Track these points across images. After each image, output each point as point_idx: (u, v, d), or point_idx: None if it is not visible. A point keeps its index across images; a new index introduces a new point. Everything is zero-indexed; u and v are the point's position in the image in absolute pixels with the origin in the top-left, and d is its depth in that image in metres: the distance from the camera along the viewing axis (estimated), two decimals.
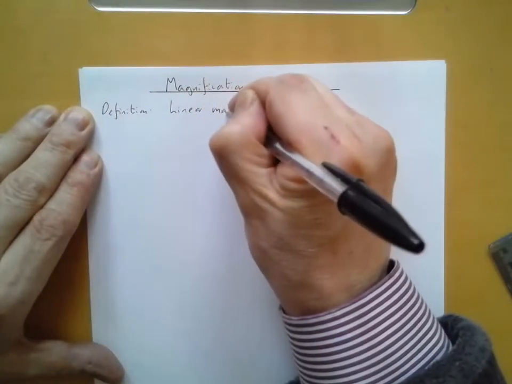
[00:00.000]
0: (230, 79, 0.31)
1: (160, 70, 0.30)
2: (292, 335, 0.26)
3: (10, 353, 0.28)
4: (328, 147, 0.22)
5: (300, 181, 0.22)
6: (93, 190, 0.30)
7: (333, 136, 0.22)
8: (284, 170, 0.23)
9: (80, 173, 0.29)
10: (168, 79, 0.31)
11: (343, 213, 0.19)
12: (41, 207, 0.27)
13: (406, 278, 0.25)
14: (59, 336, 0.31)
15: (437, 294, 0.33)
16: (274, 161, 0.25)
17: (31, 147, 0.28)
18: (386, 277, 0.24)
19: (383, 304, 0.24)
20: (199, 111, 0.31)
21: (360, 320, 0.23)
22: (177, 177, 0.31)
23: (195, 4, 0.31)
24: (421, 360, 0.24)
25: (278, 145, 0.24)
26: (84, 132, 0.29)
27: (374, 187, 0.19)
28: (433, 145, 0.32)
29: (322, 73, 0.30)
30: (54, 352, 0.29)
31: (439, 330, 0.25)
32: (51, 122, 0.29)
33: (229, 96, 0.31)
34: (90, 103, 0.30)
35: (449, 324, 0.27)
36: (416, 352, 0.24)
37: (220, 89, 0.31)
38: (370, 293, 0.24)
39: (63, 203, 0.27)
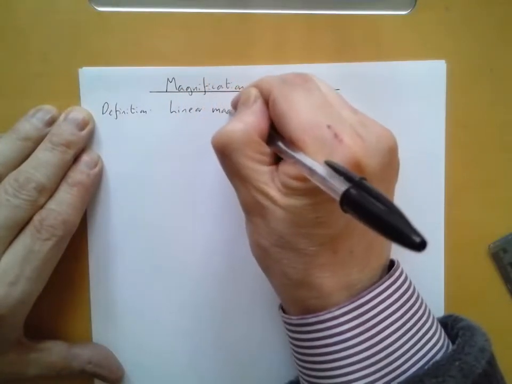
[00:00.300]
0: (230, 79, 0.31)
1: (160, 70, 0.30)
2: (291, 334, 0.26)
3: (10, 353, 0.28)
4: (331, 146, 0.22)
5: (301, 179, 0.22)
6: (93, 190, 0.30)
7: (336, 135, 0.22)
8: (286, 168, 0.23)
9: (80, 173, 0.29)
10: (168, 79, 0.31)
11: (345, 211, 0.19)
12: (41, 207, 0.27)
13: (406, 278, 0.26)
14: (59, 336, 0.31)
15: (437, 294, 0.33)
16: (276, 160, 0.25)
17: (31, 147, 0.28)
18: (386, 276, 0.24)
19: (383, 303, 0.24)
20: (199, 111, 0.31)
21: (360, 320, 0.23)
22: (177, 177, 0.31)
23: (195, 4, 0.31)
24: (420, 360, 0.24)
25: (280, 144, 0.24)
26: (84, 132, 0.29)
27: (376, 187, 0.19)
28: (433, 145, 0.33)
29: (322, 73, 0.30)
30: (54, 352, 0.29)
31: (438, 330, 0.25)
32: (51, 122, 0.29)
33: (229, 96, 0.31)
34: (90, 103, 0.30)
35: (449, 324, 0.27)
36: (415, 351, 0.24)
37: (220, 89, 0.31)
38: (370, 292, 0.24)
39: (63, 203, 0.27)
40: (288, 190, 0.23)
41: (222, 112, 0.31)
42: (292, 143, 0.23)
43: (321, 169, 0.20)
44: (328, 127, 0.23)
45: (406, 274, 0.26)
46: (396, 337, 0.23)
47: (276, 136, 0.25)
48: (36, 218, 0.27)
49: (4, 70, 0.30)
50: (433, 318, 0.26)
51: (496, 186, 0.33)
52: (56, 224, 0.27)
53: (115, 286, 0.31)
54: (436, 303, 0.33)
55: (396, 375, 0.23)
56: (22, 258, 0.26)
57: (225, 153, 0.24)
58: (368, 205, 0.18)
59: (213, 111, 0.31)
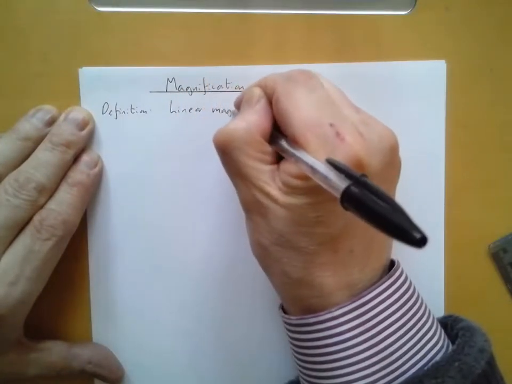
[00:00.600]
0: (230, 79, 0.31)
1: (160, 70, 0.30)
2: (291, 334, 0.26)
3: (10, 353, 0.28)
4: (333, 144, 0.22)
5: (303, 177, 0.22)
6: (93, 190, 0.30)
7: (338, 134, 0.22)
8: (287, 167, 0.23)
9: (80, 173, 0.29)
10: (168, 79, 0.31)
11: (346, 208, 0.19)
12: (41, 207, 0.27)
13: (406, 278, 0.25)
14: (59, 336, 0.31)
15: (437, 294, 0.33)
16: (277, 159, 0.25)
17: (31, 147, 0.28)
18: (386, 276, 0.24)
19: (383, 303, 0.24)
20: (199, 111, 0.31)
21: (359, 320, 0.23)
22: (177, 177, 0.31)
23: (195, 4, 0.31)
24: (420, 360, 0.24)
25: (282, 142, 0.24)
26: (84, 132, 0.29)
27: None
28: (433, 145, 0.33)
29: (322, 73, 0.30)
30: (54, 352, 0.29)
31: (438, 330, 0.25)
32: (51, 122, 0.29)
33: (229, 96, 0.31)
34: (90, 103, 0.30)
35: (449, 324, 0.27)
36: (415, 352, 0.24)
37: (220, 89, 0.31)
38: (370, 292, 0.24)
39: (63, 203, 0.27)
40: (289, 189, 0.23)
41: (222, 112, 0.31)
42: (293, 141, 0.23)
43: (322, 167, 0.20)
44: (331, 125, 0.23)
45: (406, 275, 0.26)
46: (395, 338, 0.23)
47: (278, 135, 0.25)
48: (36, 218, 0.27)
49: (4, 70, 0.30)
50: (433, 318, 0.26)
51: (496, 186, 0.33)
52: (56, 224, 0.27)
53: (115, 286, 0.31)
54: (436, 303, 0.33)
55: (395, 376, 0.23)
56: (22, 258, 0.26)
57: (227, 152, 0.24)
58: (369, 202, 0.18)
59: (213, 111, 0.31)
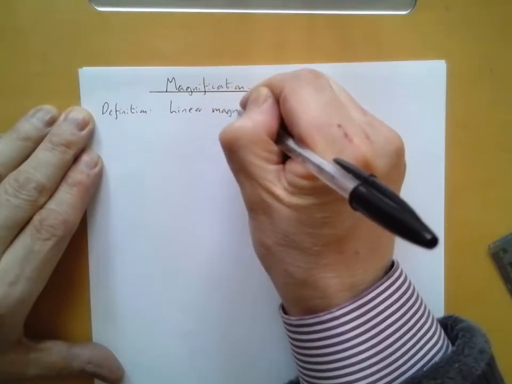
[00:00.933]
0: (230, 79, 0.31)
1: (160, 70, 0.30)
2: (291, 335, 0.26)
3: (10, 353, 0.28)
4: (340, 145, 0.22)
5: (309, 177, 0.22)
6: (93, 190, 0.30)
7: (346, 135, 0.22)
8: (293, 166, 0.23)
9: (80, 173, 0.29)
10: (168, 79, 0.31)
11: (354, 208, 0.18)
12: (41, 207, 0.27)
13: (406, 278, 0.25)
14: (59, 336, 0.31)
15: (437, 294, 0.33)
16: (283, 159, 0.25)
17: (31, 147, 0.28)
18: (385, 277, 0.24)
19: (382, 304, 0.24)
20: (199, 111, 0.31)
21: (360, 320, 0.23)
22: (177, 177, 0.31)
23: (195, 4, 0.31)
24: (420, 361, 0.24)
25: (289, 142, 0.24)
26: (84, 132, 0.29)
27: None
28: (433, 145, 0.32)
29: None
30: (54, 352, 0.29)
31: (438, 331, 0.25)
32: (51, 122, 0.29)
33: (229, 96, 0.31)
34: (90, 103, 0.30)
35: (449, 325, 0.27)
36: (415, 352, 0.24)
37: (220, 89, 0.31)
38: (369, 292, 0.24)
39: (63, 203, 0.27)
40: (295, 189, 0.23)
41: (222, 112, 0.31)
42: (300, 141, 0.23)
43: (330, 167, 0.20)
44: (338, 126, 0.23)
45: (406, 275, 0.26)
46: (395, 338, 0.23)
47: (285, 134, 0.25)
48: (36, 218, 0.27)
49: (4, 70, 0.30)
50: (433, 318, 0.26)
51: (496, 186, 0.33)
52: (56, 224, 0.27)
53: (115, 286, 0.31)
54: (436, 303, 0.33)
55: (395, 376, 0.23)
56: (22, 258, 0.26)
57: (233, 150, 0.24)
58: (378, 202, 0.17)
59: (213, 111, 0.31)
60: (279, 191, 0.23)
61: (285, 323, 0.26)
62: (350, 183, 0.19)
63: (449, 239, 0.33)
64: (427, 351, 0.24)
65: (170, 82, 0.31)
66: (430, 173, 0.33)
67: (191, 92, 0.31)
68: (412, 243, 0.16)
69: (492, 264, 0.34)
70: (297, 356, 0.26)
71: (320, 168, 0.21)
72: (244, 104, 0.28)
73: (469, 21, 0.32)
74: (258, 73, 0.30)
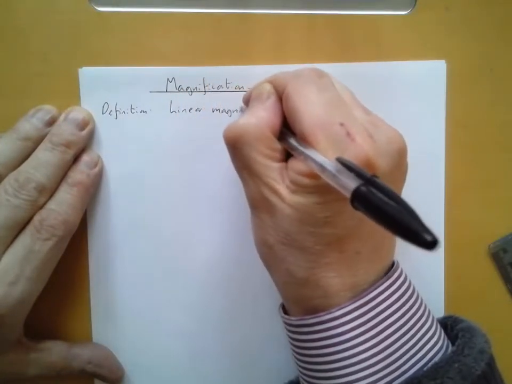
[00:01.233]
0: (230, 79, 0.31)
1: (160, 70, 0.30)
2: (291, 335, 0.26)
3: (10, 353, 0.28)
4: (343, 143, 0.22)
5: (311, 176, 0.22)
6: (93, 190, 0.30)
7: (348, 133, 0.22)
8: (296, 165, 0.23)
9: (80, 173, 0.29)
10: (168, 79, 0.31)
11: (356, 208, 0.18)
12: (41, 207, 0.27)
13: (406, 278, 0.25)
14: (59, 336, 0.31)
15: (437, 294, 0.33)
16: (286, 157, 0.25)
17: (31, 147, 0.28)
18: (385, 277, 0.24)
19: (382, 304, 0.24)
20: (199, 111, 0.31)
21: (360, 320, 0.23)
22: (177, 177, 0.31)
23: (195, 4, 0.31)
24: (420, 361, 0.24)
25: (291, 140, 0.24)
26: (84, 132, 0.29)
27: None
28: (433, 145, 0.32)
29: None
30: (54, 352, 0.29)
31: (438, 331, 0.25)
32: (51, 122, 0.29)
33: (229, 96, 0.31)
34: (90, 103, 0.30)
35: (449, 325, 0.27)
36: (415, 352, 0.24)
37: (220, 89, 0.31)
38: (369, 293, 0.24)
39: (63, 203, 0.27)
40: (297, 187, 0.23)
41: (222, 112, 0.31)
42: (303, 139, 0.23)
43: (332, 166, 0.20)
44: (341, 124, 0.22)
45: (406, 275, 0.26)
46: (395, 338, 0.23)
47: (287, 132, 0.25)
48: (36, 218, 0.27)
49: (4, 70, 0.30)
50: (433, 318, 0.26)
51: (496, 186, 0.33)
52: (56, 224, 0.27)
53: (115, 286, 0.31)
54: (436, 303, 0.33)
55: (395, 376, 0.23)
56: (22, 258, 0.26)
57: (236, 146, 0.24)
58: (380, 202, 0.17)
59: (213, 111, 0.31)
60: (282, 189, 0.23)
61: (285, 323, 0.26)
62: (352, 183, 0.19)
63: (449, 239, 0.33)
64: (427, 351, 0.24)
65: (170, 82, 0.31)
66: (430, 173, 0.33)
67: (191, 92, 0.31)
68: (412, 244, 0.16)
69: (491, 264, 0.34)
70: (297, 356, 0.26)
71: (322, 167, 0.21)
72: (247, 101, 0.28)
73: (469, 21, 0.32)
74: (258, 73, 0.30)
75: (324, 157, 0.21)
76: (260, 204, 0.25)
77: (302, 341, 0.25)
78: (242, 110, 0.31)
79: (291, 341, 0.26)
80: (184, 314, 0.32)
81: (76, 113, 0.29)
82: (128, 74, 0.30)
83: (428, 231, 0.16)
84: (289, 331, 0.26)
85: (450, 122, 0.32)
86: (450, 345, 0.25)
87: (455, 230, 0.33)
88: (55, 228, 0.27)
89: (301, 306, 0.25)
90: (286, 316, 0.26)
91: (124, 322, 0.31)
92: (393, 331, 0.23)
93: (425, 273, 0.32)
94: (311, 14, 0.31)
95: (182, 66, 0.31)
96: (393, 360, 0.23)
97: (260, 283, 0.31)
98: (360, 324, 0.23)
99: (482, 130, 0.33)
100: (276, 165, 0.24)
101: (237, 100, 0.31)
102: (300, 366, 0.26)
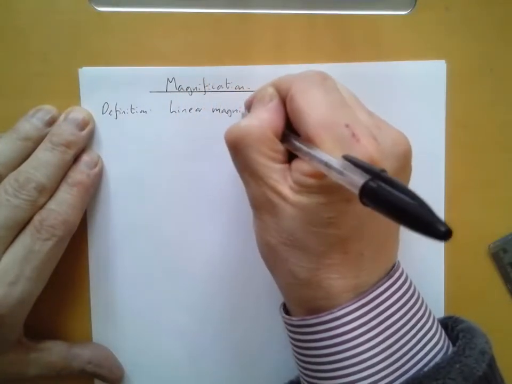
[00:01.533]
0: (230, 79, 0.31)
1: (160, 70, 0.30)
2: (292, 335, 0.26)
3: (10, 353, 0.28)
4: (348, 144, 0.22)
5: (315, 176, 0.22)
6: (93, 190, 0.30)
7: (353, 134, 0.22)
8: (300, 165, 0.23)
9: (80, 173, 0.29)
10: (168, 79, 0.31)
11: (364, 204, 0.18)
12: (41, 207, 0.27)
13: (406, 278, 0.25)
14: (59, 336, 0.31)
15: (437, 294, 0.33)
16: (289, 159, 0.25)
17: (31, 147, 0.28)
18: (386, 277, 0.24)
19: (383, 304, 0.24)
20: (199, 111, 0.31)
21: (360, 321, 0.23)
22: (177, 177, 0.31)
23: (195, 4, 0.31)
24: (420, 361, 0.24)
25: (295, 141, 0.24)
26: (84, 132, 0.29)
27: None
28: (433, 145, 0.32)
29: None
30: (54, 352, 0.29)
31: (439, 331, 0.25)
32: (51, 122, 0.29)
33: (229, 96, 0.31)
34: (90, 103, 0.30)
35: (450, 325, 0.27)
36: (416, 352, 0.24)
37: (220, 89, 0.31)
38: (370, 293, 0.24)
39: (63, 203, 0.27)
40: (301, 188, 0.23)
41: (222, 112, 0.31)
42: (307, 140, 0.23)
43: (338, 163, 0.20)
44: (346, 125, 0.22)
45: (407, 275, 0.26)
46: (396, 338, 0.23)
47: (290, 134, 0.25)
48: (36, 218, 0.27)
49: (4, 70, 0.30)
50: (434, 319, 0.26)
51: (496, 186, 0.33)
52: (56, 224, 0.27)
53: (115, 286, 0.31)
54: (436, 303, 0.33)
55: (397, 376, 0.23)
56: (22, 258, 0.26)
57: (238, 148, 0.24)
58: (389, 196, 0.17)
59: (213, 111, 0.31)
60: (285, 190, 0.23)
61: (286, 323, 0.26)
62: (359, 179, 0.18)
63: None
64: (428, 351, 0.24)
65: (170, 82, 0.31)
66: (430, 173, 0.33)
67: (191, 92, 0.31)
68: (425, 236, 0.16)
69: (492, 264, 0.34)
70: (298, 356, 0.26)
71: (328, 165, 0.21)
72: (249, 105, 0.28)
73: (469, 21, 0.32)
74: (258, 73, 0.30)
75: (329, 155, 0.21)
76: (262, 205, 0.25)
77: (303, 341, 0.25)
78: (243, 116, 0.31)
79: (292, 341, 0.26)
80: (184, 315, 0.32)
81: (75, 113, 0.29)
82: (128, 74, 0.30)
83: (440, 221, 0.16)
84: (290, 331, 0.26)
85: (450, 122, 0.32)
86: (451, 345, 0.25)
87: (455, 230, 0.32)
88: (55, 228, 0.27)
89: (302, 307, 0.25)
90: (287, 316, 0.26)
91: (124, 322, 0.31)
92: (394, 331, 0.23)
93: (425, 273, 0.32)
94: (311, 14, 0.31)
95: (182, 66, 0.31)
96: (394, 360, 0.23)
97: (260, 283, 0.31)
98: (361, 324, 0.23)
99: (482, 130, 0.33)
100: (278, 166, 0.24)
101: (237, 100, 0.31)
102: (300, 366, 0.26)
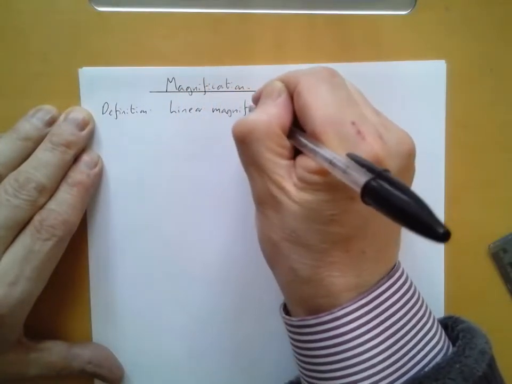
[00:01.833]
0: (230, 79, 0.31)
1: (160, 70, 0.30)
2: (292, 336, 0.26)
3: (10, 353, 0.28)
4: (353, 142, 0.22)
5: (319, 173, 0.22)
6: (93, 190, 0.30)
7: (359, 132, 0.22)
8: (304, 161, 0.23)
9: (80, 173, 0.29)
10: (168, 79, 0.31)
11: (366, 203, 0.18)
12: (41, 207, 0.27)
13: (407, 279, 0.25)
14: (59, 336, 0.31)
15: (437, 294, 0.33)
16: (294, 156, 0.25)
17: (31, 147, 0.28)
18: (386, 277, 0.24)
19: (383, 304, 0.24)
20: (199, 111, 0.31)
21: (361, 321, 0.23)
22: (177, 177, 0.31)
23: (195, 4, 0.31)
24: (421, 361, 0.24)
25: (301, 137, 0.24)
26: (84, 132, 0.29)
27: None
28: (433, 145, 0.32)
29: None
30: (54, 352, 0.29)
31: (439, 331, 0.25)
32: (51, 122, 0.29)
33: (229, 96, 0.31)
34: (90, 103, 0.30)
35: (450, 326, 0.27)
36: (416, 352, 0.24)
37: (220, 89, 0.31)
38: (370, 293, 0.24)
39: (63, 203, 0.27)
40: (305, 185, 0.23)
41: (222, 112, 0.31)
42: (313, 137, 0.23)
43: (342, 161, 0.20)
44: (352, 123, 0.22)
45: (407, 275, 0.26)
46: (396, 338, 0.23)
47: (297, 130, 0.25)
48: (36, 218, 0.27)
49: (4, 70, 0.30)
50: (434, 319, 0.26)
51: (496, 186, 0.33)
52: (56, 224, 0.27)
53: (115, 286, 0.31)
54: (436, 303, 0.33)
55: (397, 376, 0.23)
56: (22, 258, 0.26)
57: (245, 142, 0.24)
58: (390, 196, 0.17)
59: (213, 111, 0.31)
60: (289, 186, 0.23)
61: (286, 324, 0.26)
62: (362, 177, 0.19)
63: (449, 239, 0.33)
64: (428, 351, 0.24)
65: (170, 82, 0.31)
66: (430, 173, 0.33)
67: (191, 92, 0.31)
68: (424, 237, 0.16)
69: (491, 264, 0.34)
70: (299, 356, 0.26)
71: (332, 162, 0.21)
72: (256, 99, 0.28)
73: (469, 21, 0.32)
74: (258, 73, 0.30)
75: (333, 152, 0.21)
76: (266, 201, 0.25)
77: (304, 341, 0.25)
78: (251, 109, 0.30)
79: (292, 341, 0.26)
80: (184, 315, 0.32)
81: (76, 113, 0.29)
82: (128, 74, 0.30)
83: (439, 223, 0.16)
84: (290, 332, 0.26)
85: (450, 122, 0.32)
86: (451, 345, 0.25)
87: (455, 230, 0.32)
88: (55, 228, 0.27)
89: (303, 306, 0.25)
90: (287, 317, 0.26)
91: (124, 322, 0.31)
92: (394, 331, 0.23)
93: (425, 273, 0.32)
94: (311, 14, 0.31)
95: (182, 66, 0.31)
96: (395, 360, 0.23)
97: (260, 283, 0.31)
98: (361, 324, 0.23)
99: (482, 130, 0.33)
100: (284, 162, 0.24)
101: (237, 100, 0.31)
102: (301, 367, 0.26)
